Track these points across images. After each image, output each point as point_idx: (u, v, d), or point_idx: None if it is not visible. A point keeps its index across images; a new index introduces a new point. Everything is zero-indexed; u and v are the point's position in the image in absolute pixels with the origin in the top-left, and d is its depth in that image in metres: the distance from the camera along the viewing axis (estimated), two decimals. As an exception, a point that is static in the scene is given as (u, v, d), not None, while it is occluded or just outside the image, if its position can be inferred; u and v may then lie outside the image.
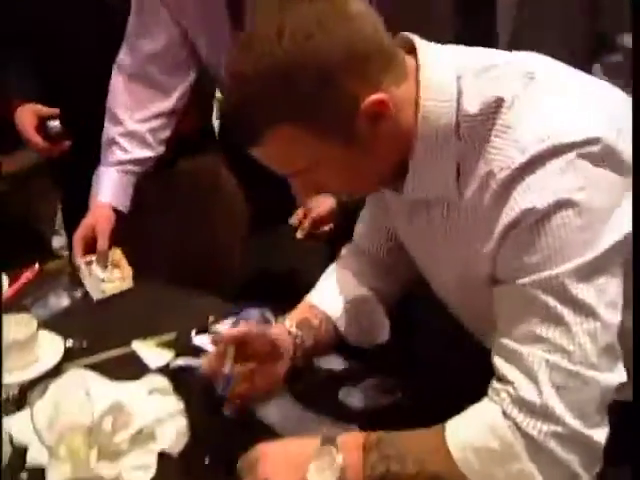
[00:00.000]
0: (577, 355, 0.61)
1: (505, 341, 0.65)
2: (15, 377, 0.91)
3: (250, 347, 0.81)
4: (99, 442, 0.78)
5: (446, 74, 0.67)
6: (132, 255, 1.12)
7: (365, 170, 0.70)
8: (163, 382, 0.89)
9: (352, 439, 0.71)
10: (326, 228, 1.18)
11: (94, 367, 0.93)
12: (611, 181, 0.63)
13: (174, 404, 0.87)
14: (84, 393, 0.77)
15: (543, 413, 0.61)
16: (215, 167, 1.31)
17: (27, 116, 1.20)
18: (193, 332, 1.00)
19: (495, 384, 0.66)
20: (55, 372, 0.91)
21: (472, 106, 0.66)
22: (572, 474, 0.61)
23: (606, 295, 0.62)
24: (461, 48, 0.71)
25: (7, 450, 0.79)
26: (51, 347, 0.98)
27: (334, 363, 0.91)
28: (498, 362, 0.65)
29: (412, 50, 0.70)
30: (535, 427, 0.61)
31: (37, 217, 1.49)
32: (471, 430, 0.65)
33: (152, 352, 0.98)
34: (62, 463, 0.75)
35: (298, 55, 0.63)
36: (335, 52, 0.63)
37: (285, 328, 0.84)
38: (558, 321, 0.62)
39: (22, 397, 0.87)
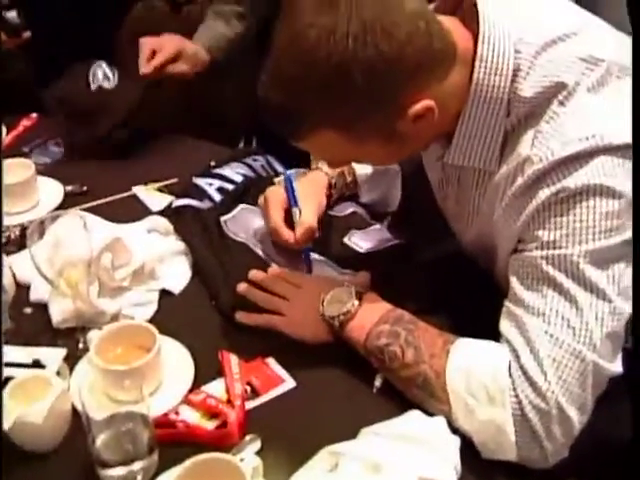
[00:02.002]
0: (581, 333, 0.61)
1: (512, 307, 0.65)
2: (16, 219, 0.90)
3: None
4: (100, 278, 0.77)
5: (505, 48, 0.65)
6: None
7: (404, 152, 0.71)
8: (164, 223, 0.87)
9: (376, 298, 0.74)
10: None
11: (94, 210, 0.92)
12: None
13: (175, 244, 0.85)
14: (83, 231, 0.75)
15: (535, 386, 0.62)
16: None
17: None
18: (194, 177, 0.98)
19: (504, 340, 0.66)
20: (55, 215, 0.85)
21: (526, 88, 0.65)
22: (540, 445, 0.62)
23: (620, 283, 0.62)
24: (524, 12, 0.68)
25: (12, 287, 0.78)
26: (51, 192, 0.96)
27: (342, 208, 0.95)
28: (504, 326, 0.66)
29: (473, 17, 0.67)
30: (526, 396, 0.62)
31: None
32: (476, 359, 0.66)
33: (153, 196, 0.95)
34: (63, 297, 0.74)
35: (350, 60, 0.61)
36: (386, 61, 0.61)
37: (323, 171, 0.91)
38: (568, 297, 0.62)
39: (23, 237, 0.86)
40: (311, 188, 0.89)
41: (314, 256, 0.86)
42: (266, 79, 0.65)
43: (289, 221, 0.86)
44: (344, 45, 0.60)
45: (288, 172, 0.91)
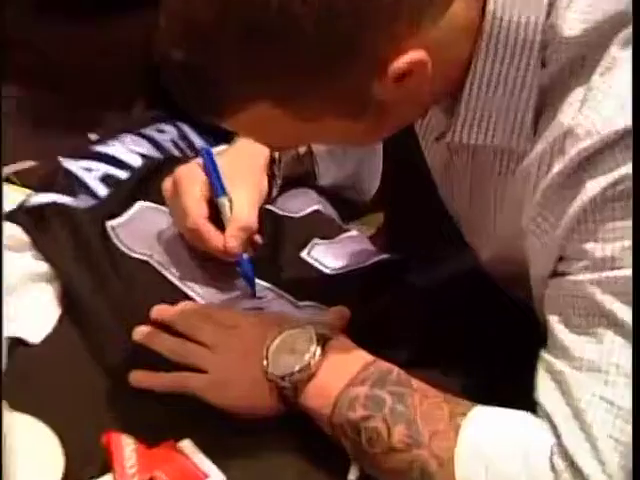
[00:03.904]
0: None
1: (552, 361, 0.69)
2: None
3: None
4: None
5: None
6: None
7: (383, 128, 0.73)
8: (16, 232, 0.91)
9: (348, 345, 0.78)
10: None
11: None
12: None
13: (33, 265, 0.89)
14: None
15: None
16: None
17: None
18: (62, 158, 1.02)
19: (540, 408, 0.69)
20: None
21: (571, 22, 0.67)
22: None
23: None
24: None
25: None
26: None
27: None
28: (541, 390, 0.69)
29: None
30: None
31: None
32: (499, 439, 0.69)
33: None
34: None
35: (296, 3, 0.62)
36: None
37: None
38: (624, 333, 0.65)
39: None
40: (244, 166, 0.94)
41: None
42: (167, 28, 0.66)
43: (214, 218, 0.90)
44: None
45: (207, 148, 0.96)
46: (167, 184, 0.93)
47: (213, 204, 0.91)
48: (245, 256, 0.90)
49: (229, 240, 0.88)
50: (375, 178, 1.01)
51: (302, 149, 0.99)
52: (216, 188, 0.90)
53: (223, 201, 0.90)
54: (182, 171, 0.92)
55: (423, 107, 0.75)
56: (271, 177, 0.97)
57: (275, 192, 1.00)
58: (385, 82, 0.66)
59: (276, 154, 0.97)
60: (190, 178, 0.91)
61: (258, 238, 0.94)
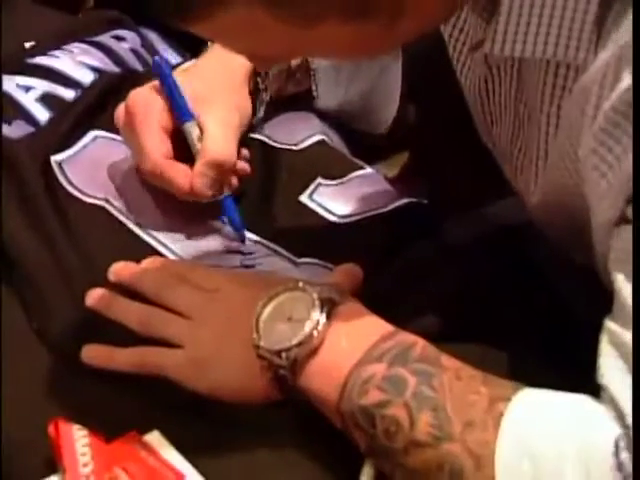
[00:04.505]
0: None
1: (619, 331, 0.68)
2: None
3: None
4: None
5: None
6: None
7: (397, 35, 0.71)
8: None
9: (361, 311, 0.77)
10: None
11: None
12: None
13: None
14: None
15: None
16: None
17: None
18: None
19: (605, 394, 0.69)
20: None
21: None
22: None
23: None
24: None
25: None
26: None
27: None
28: (605, 368, 0.68)
29: None
30: None
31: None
32: (553, 430, 0.68)
33: None
34: None
35: None
36: None
37: None
38: None
39: None
40: (217, 80, 0.94)
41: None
42: None
43: (183, 153, 0.89)
44: None
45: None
46: (119, 113, 0.91)
47: (179, 134, 0.89)
48: (226, 193, 0.89)
49: (197, 179, 0.87)
50: (392, 103, 1.00)
51: (294, 61, 0.97)
52: (180, 111, 0.89)
53: (189, 128, 0.89)
54: (135, 97, 0.90)
55: (447, 6, 0.72)
56: (254, 94, 0.95)
57: (261, 113, 0.98)
58: None
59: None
60: (145, 106, 0.90)
61: (241, 170, 0.92)
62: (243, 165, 0.95)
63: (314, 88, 1.00)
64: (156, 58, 0.95)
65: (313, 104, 1.02)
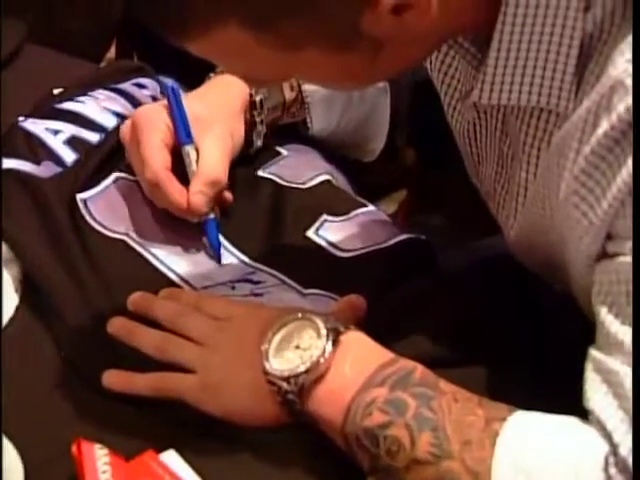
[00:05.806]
0: None
1: (603, 359, 0.69)
2: None
3: None
4: None
5: None
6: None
7: (379, 70, 0.74)
8: None
9: (364, 340, 0.78)
10: None
11: None
12: None
13: None
14: None
15: None
16: None
17: None
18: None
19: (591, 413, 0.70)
20: None
21: None
22: None
23: None
24: None
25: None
26: None
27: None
28: (591, 393, 0.70)
29: None
30: None
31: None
32: (544, 449, 0.70)
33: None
34: None
35: None
36: None
37: None
38: None
39: None
40: (216, 109, 0.95)
41: (239, 257, 0.92)
42: None
43: (179, 172, 0.91)
44: None
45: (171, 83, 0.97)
46: (125, 128, 0.93)
47: (178, 154, 0.91)
48: (212, 216, 0.92)
49: (193, 197, 0.90)
50: (380, 135, 1.02)
51: (289, 95, 1.00)
52: (180, 134, 0.91)
53: (188, 150, 0.91)
54: (142, 113, 0.92)
55: (427, 48, 0.75)
56: (250, 124, 0.97)
57: (259, 143, 1.01)
58: (379, 14, 0.66)
59: (257, 97, 0.98)
60: (151, 121, 0.92)
61: (228, 195, 0.95)
62: (227, 194, 0.97)
63: (308, 120, 1.02)
64: (166, 81, 0.98)
65: (306, 131, 1.03)
